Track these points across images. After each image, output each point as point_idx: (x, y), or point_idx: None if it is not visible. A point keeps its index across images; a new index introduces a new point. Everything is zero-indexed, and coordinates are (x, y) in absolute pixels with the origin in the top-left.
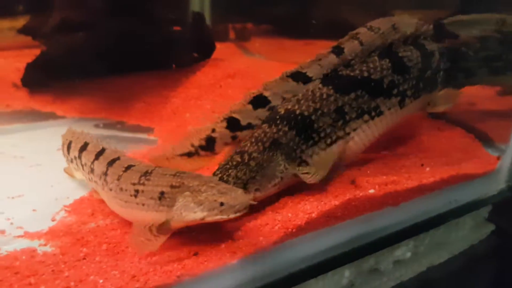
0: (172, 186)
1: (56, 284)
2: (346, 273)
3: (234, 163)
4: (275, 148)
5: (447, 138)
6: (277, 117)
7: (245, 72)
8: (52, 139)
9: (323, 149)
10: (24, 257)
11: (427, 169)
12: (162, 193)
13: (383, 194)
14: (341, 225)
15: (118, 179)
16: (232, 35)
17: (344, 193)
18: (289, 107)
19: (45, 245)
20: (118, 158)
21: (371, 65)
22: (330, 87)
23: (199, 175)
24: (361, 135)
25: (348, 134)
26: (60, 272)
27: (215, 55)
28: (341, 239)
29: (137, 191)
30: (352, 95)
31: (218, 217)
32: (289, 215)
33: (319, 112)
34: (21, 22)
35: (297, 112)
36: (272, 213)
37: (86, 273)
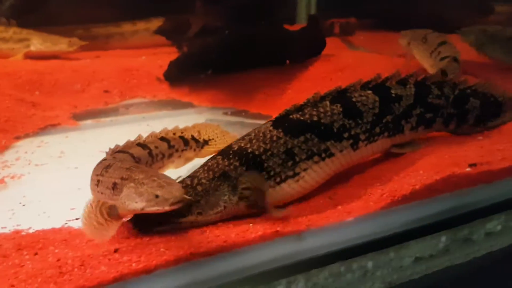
0: (122, 178)
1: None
2: (443, 238)
3: (183, 185)
4: (224, 179)
5: None
6: (231, 152)
7: (353, 66)
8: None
9: (272, 187)
10: None
11: None
12: (114, 183)
13: (478, 172)
14: (440, 197)
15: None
16: (337, 30)
17: (444, 170)
18: (242, 145)
19: None
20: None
21: (321, 110)
22: (280, 130)
23: (149, 169)
24: (312, 175)
25: (298, 173)
26: None
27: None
28: (439, 209)
29: (98, 181)
30: (302, 138)
31: (155, 208)
32: (395, 186)
33: (269, 152)
34: (154, 23)
35: (249, 150)
36: (380, 185)
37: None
